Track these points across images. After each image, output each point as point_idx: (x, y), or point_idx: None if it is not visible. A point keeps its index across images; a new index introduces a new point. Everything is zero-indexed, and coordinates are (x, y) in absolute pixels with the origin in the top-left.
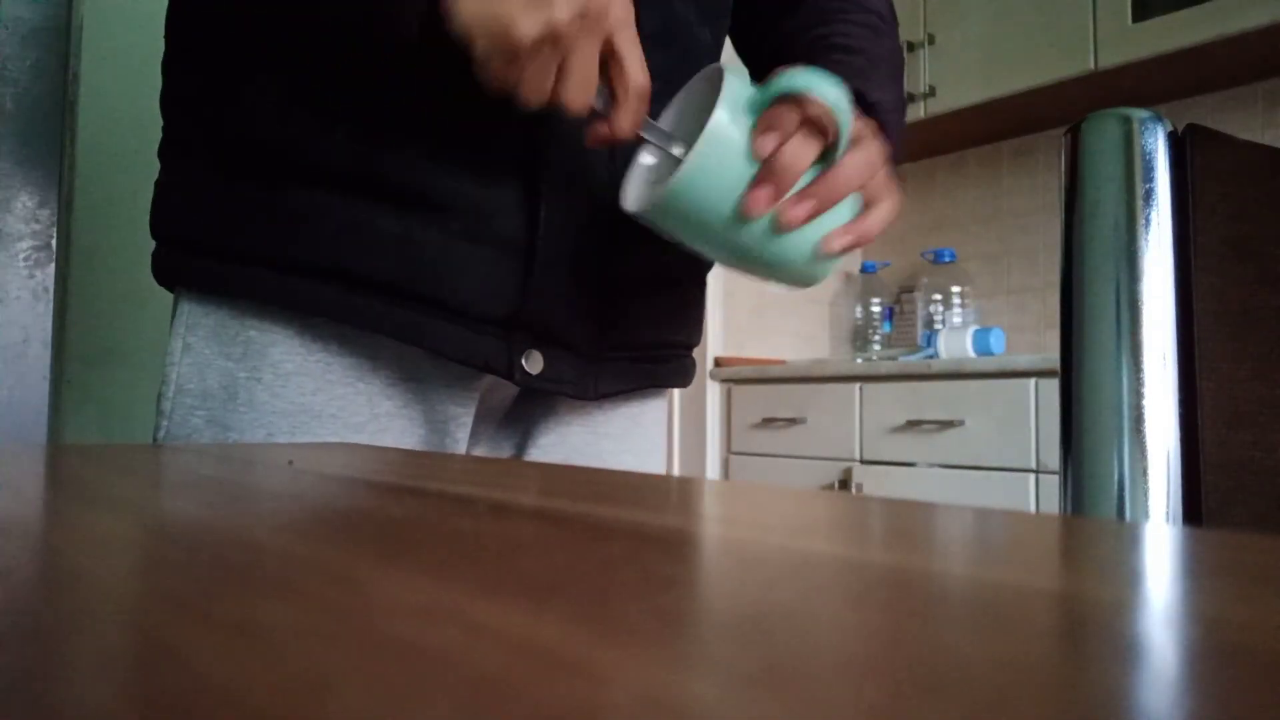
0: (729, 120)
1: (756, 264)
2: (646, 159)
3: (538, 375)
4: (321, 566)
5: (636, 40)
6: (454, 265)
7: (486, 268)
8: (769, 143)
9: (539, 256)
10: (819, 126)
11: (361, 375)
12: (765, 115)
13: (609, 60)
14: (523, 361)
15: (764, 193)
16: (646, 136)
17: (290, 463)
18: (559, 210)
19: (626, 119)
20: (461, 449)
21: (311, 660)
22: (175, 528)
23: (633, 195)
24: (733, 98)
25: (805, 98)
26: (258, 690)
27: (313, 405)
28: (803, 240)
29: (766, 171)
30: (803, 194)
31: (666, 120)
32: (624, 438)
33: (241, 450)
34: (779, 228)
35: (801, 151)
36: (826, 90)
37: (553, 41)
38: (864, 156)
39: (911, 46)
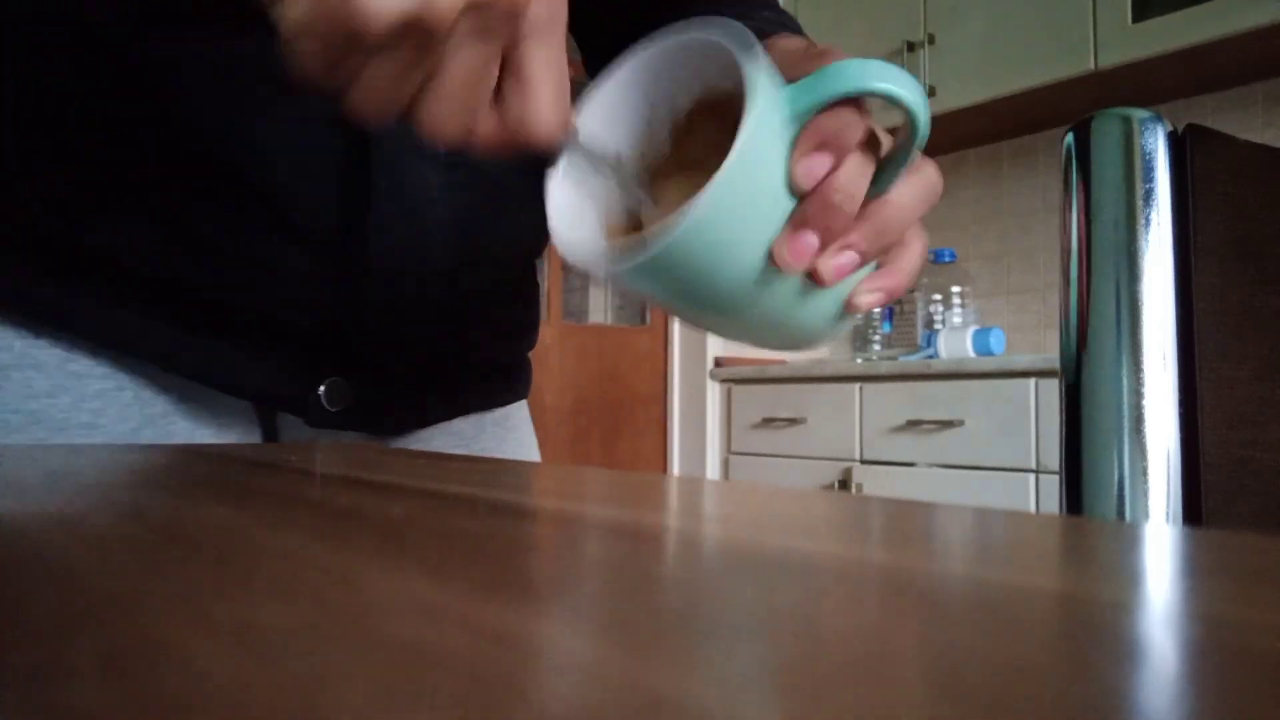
0: (760, 139)
1: (760, 326)
2: (575, 164)
3: (340, 412)
4: (321, 566)
5: (559, 52)
6: (248, 260)
7: (292, 267)
8: (818, 167)
9: (365, 259)
10: (874, 141)
11: (121, 367)
12: (811, 127)
13: (506, 73)
14: (320, 393)
15: (807, 240)
16: (575, 159)
17: (291, 461)
18: (388, 204)
19: (494, 142)
20: (257, 437)
21: (311, 660)
22: (175, 528)
23: (577, 235)
24: (765, 100)
25: (871, 96)
26: (258, 690)
27: (50, 413)
28: (830, 298)
29: (814, 209)
30: (846, 238)
31: (605, 99)
32: (499, 449)
33: (241, 450)
34: (813, 282)
35: (859, 180)
36: (905, 86)
37: (420, 38)
38: (922, 184)
39: (911, 46)
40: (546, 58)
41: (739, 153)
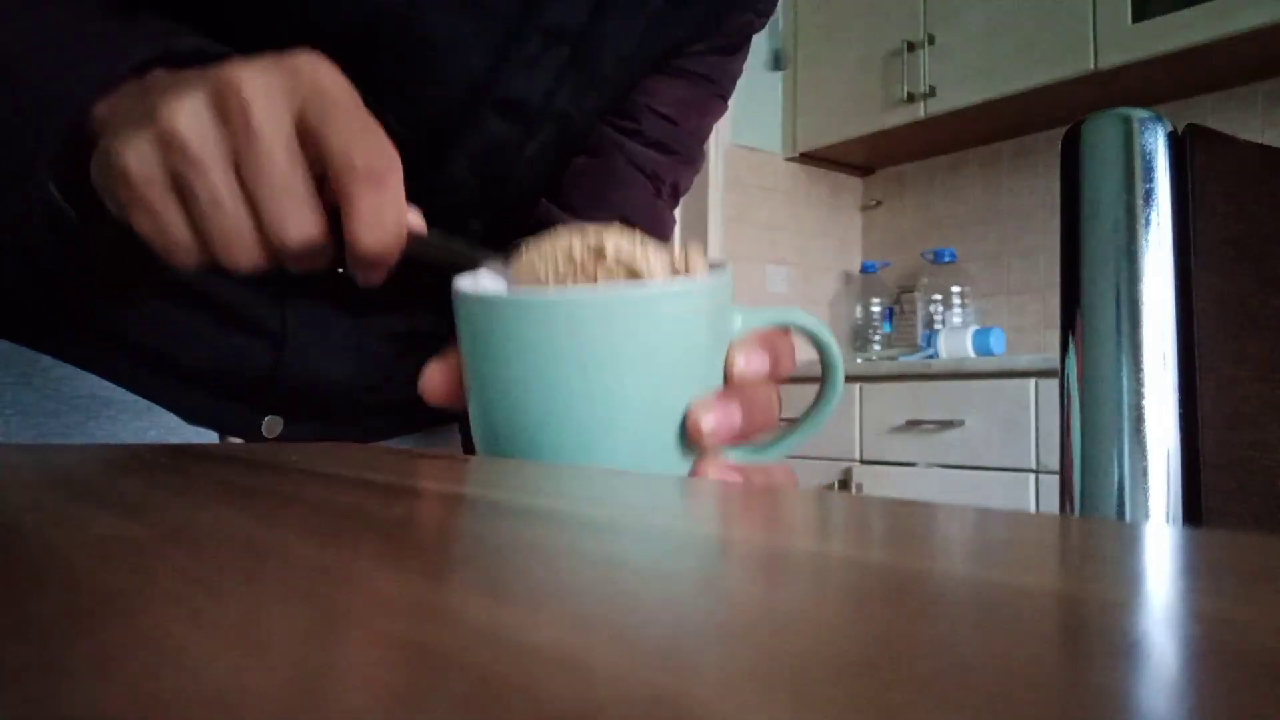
0: (710, 298)
1: (588, 449)
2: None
3: (276, 438)
4: (321, 566)
5: (363, 120)
6: (204, 341)
7: (236, 347)
8: (758, 359)
9: (288, 341)
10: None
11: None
12: (758, 332)
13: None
14: (262, 426)
15: (732, 414)
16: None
17: (291, 461)
18: (303, 305)
19: (367, 267)
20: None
21: (311, 660)
22: (175, 528)
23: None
24: (724, 282)
25: (802, 332)
26: (258, 690)
27: (96, 398)
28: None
29: (749, 395)
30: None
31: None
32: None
33: (241, 450)
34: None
35: (775, 402)
36: (828, 334)
37: (178, 167)
38: (788, 473)
39: (911, 46)
40: (346, 124)
41: (694, 282)
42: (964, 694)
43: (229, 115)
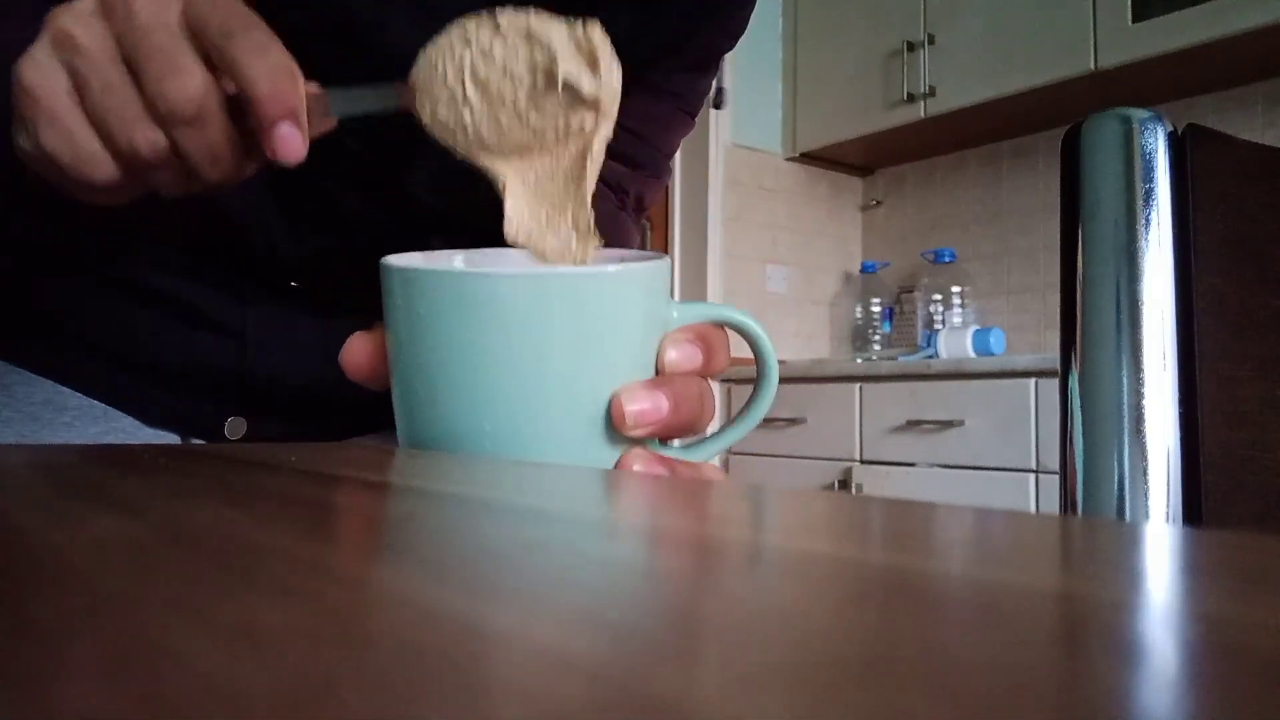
0: (641, 280)
1: (524, 425)
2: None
3: (239, 439)
4: (321, 566)
5: (244, 15)
6: (169, 341)
7: (201, 347)
8: (690, 350)
9: (252, 341)
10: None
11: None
12: (692, 325)
13: (221, 70)
14: (225, 427)
15: (657, 402)
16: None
17: (291, 461)
18: (267, 306)
19: (274, 121)
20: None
21: (311, 660)
22: (175, 528)
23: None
24: (660, 269)
25: (735, 328)
26: (258, 691)
27: (51, 404)
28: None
29: (679, 385)
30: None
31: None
32: None
33: (240, 450)
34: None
35: (706, 397)
36: (763, 339)
37: (70, 62)
38: (717, 472)
39: (911, 46)
40: (229, 27)
41: (629, 266)
42: (964, 694)
43: (113, 6)
